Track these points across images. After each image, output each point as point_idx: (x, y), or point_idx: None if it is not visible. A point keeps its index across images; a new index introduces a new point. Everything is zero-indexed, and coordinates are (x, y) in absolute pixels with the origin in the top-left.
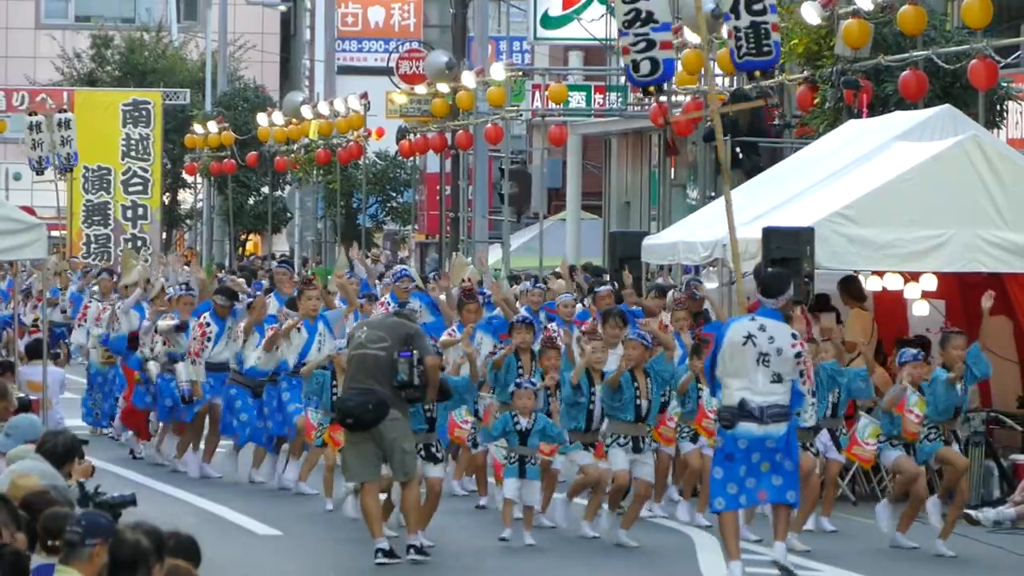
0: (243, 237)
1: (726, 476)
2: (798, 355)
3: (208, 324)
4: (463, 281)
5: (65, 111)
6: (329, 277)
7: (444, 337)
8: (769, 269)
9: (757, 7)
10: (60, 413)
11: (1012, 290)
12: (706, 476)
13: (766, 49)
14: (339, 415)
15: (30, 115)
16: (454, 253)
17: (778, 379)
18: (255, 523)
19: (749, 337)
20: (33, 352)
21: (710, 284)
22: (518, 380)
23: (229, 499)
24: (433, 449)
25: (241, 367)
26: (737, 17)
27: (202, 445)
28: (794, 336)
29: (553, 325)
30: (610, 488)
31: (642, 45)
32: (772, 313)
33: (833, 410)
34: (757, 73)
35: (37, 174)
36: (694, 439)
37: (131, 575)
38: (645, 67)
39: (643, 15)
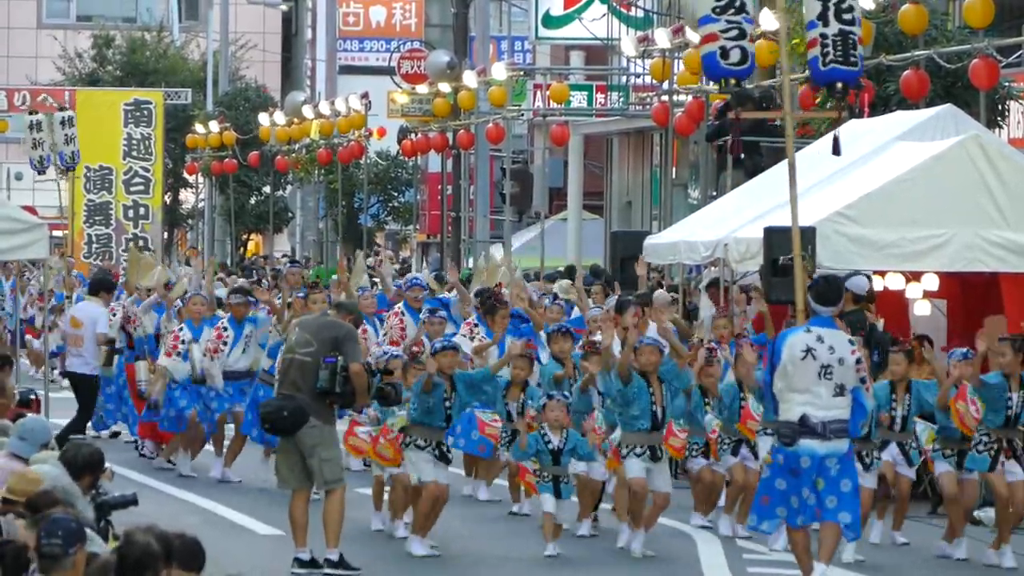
0: (244, 237)
1: (788, 489)
2: (858, 361)
3: (225, 328)
4: (497, 285)
5: (66, 109)
6: (333, 277)
7: (476, 343)
8: (819, 276)
9: (847, 16)
10: (91, 351)
11: (1008, 290)
12: (750, 488)
13: (852, 60)
14: (260, 420)
15: (30, 114)
16: (489, 254)
17: (840, 392)
18: (256, 523)
19: (808, 351)
20: (94, 287)
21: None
22: (550, 392)
23: (230, 499)
24: (445, 448)
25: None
26: (825, 24)
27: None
28: (851, 343)
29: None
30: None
31: (734, 32)
32: (826, 322)
33: (903, 423)
34: (839, 85)
35: (39, 174)
36: (735, 450)
37: None
38: (735, 55)
39: (736, 3)
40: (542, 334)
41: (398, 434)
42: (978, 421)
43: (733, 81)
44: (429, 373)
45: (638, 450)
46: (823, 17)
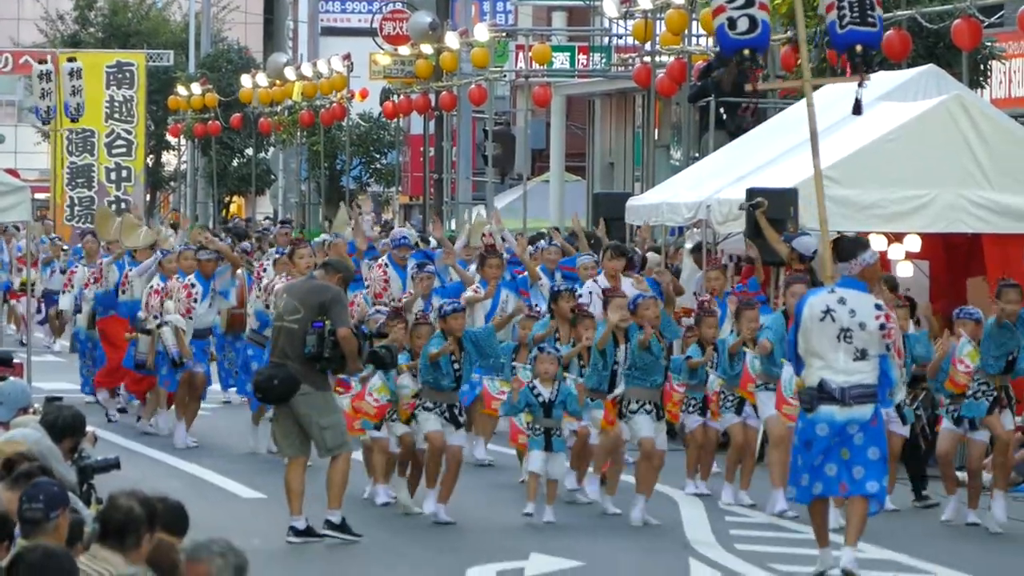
0: (227, 199)
1: (803, 465)
2: (882, 327)
3: (193, 285)
4: (483, 237)
5: (75, 59)
6: (316, 239)
7: (468, 293)
8: (841, 234)
9: None
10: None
11: (989, 251)
12: (750, 451)
13: (870, 20)
14: (253, 389)
15: (40, 63)
16: (476, 212)
17: (862, 356)
18: (239, 486)
19: (828, 311)
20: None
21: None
22: (541, 344)
23: (213, 462)
24: (456, 411)
25: (261, 327)
26: None
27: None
28: (878, 307)
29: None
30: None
31: (740, 1)
32: (853, 283)
33: None
34: (859, 48)
35: (43, 123)
36: (739, 410)
37: (120, 541)
38: (742, 24)
39: None
40: (543, 285)
41: (412, 402)
42: (969, 375)
43: (747, 52)
44: (445, 343)
45: (647, 407)
46: None
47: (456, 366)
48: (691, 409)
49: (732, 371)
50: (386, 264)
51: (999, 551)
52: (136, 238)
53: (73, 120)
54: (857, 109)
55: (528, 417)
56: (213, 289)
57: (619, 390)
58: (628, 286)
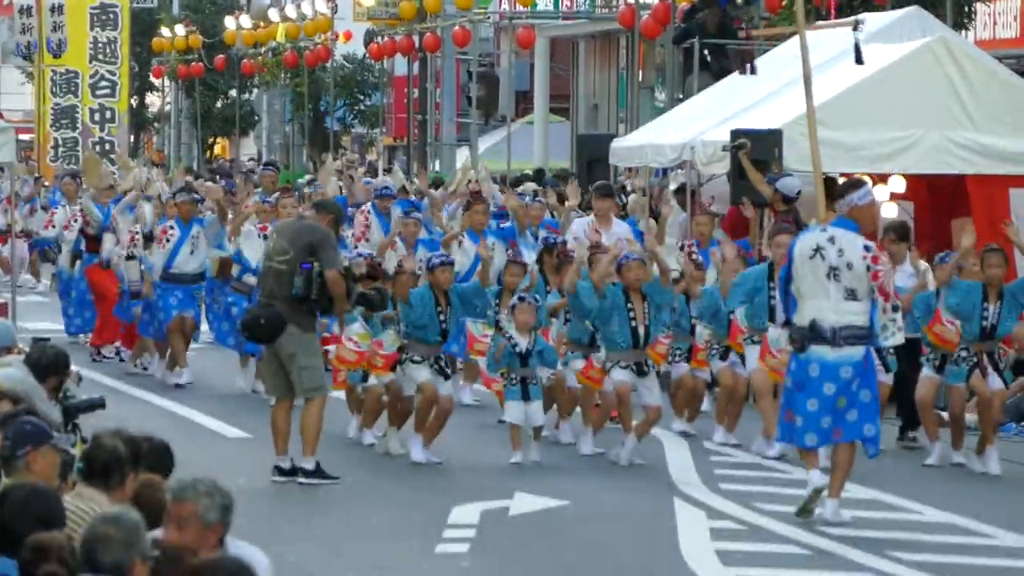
0: (211, 140)
1: (797, 407)
2: (868, 268)
3: (172, 227)
4: (469, 183)
5: None
6: (300, 180)
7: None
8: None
9: None
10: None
11: (973, 191)
12: (739, 395)
13: None
14: (240, 328)
15: None
16: (464, 158)
17: (852, 296)
18: (224, 426)
19: (818, 250)
20: None
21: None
22: (521, 294)
23: (198, 402)
24: (443, 363)
25: (241, 273)
26: None
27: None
28: (866, 248)
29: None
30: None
31: None
32: (844, 223)
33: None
34: None
35: (24, 59)
36: (724, 356)
37: (105, 480)
38: None
39: None
40: (527, 236)
41: (394, 352)
42: (958, 334)
43: (739, 1)
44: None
45: (622, 364)
46: None
47: (442, 318)
48: (677, 359)
49: (716, 325)
50: (369, 212)
51: (986, 489)
52: (128, 180)
53: (55, 56)
54: (859, 59)
55: (503, 368)
56: (194, 236)
57: (600, 353)
58: (620, 230)
